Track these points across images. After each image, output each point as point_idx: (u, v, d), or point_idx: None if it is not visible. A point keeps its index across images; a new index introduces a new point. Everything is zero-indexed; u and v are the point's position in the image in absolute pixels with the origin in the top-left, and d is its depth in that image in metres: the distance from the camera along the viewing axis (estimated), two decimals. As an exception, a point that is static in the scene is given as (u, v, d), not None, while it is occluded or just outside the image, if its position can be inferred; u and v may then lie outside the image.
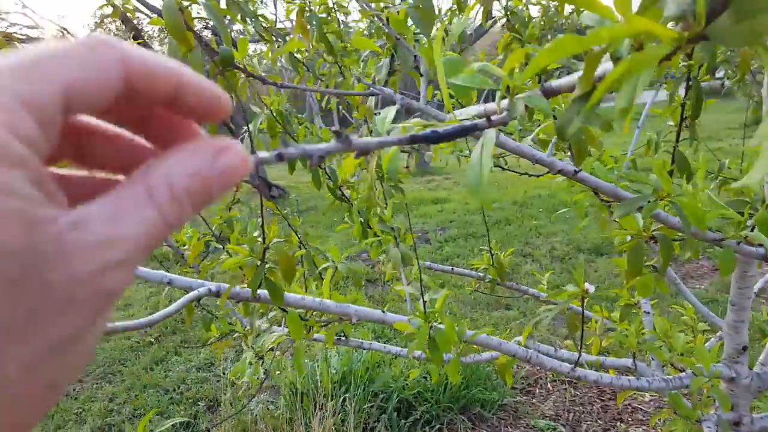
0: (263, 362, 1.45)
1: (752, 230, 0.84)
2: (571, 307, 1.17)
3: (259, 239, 0.88)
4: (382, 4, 0.83)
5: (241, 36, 1.03)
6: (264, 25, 1.73)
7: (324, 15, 1.52)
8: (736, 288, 1.05)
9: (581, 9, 0.34)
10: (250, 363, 1.29)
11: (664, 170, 0.86)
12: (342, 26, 1.57)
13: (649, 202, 0.73)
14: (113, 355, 3.22)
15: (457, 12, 2.04)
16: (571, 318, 1.05)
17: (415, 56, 0.80)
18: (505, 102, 0.46)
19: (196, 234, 1.53)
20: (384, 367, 2.42)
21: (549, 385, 2.52)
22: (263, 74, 0.91)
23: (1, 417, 0.17)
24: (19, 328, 0.16)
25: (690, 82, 1.04)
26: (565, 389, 2.46)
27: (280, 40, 1.78)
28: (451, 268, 1.62)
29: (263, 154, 0.27)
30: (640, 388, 1.01)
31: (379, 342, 1.54)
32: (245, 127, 1.38)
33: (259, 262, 0.87)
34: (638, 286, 1.06)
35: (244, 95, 0.99)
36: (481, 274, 1.57)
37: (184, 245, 1.59)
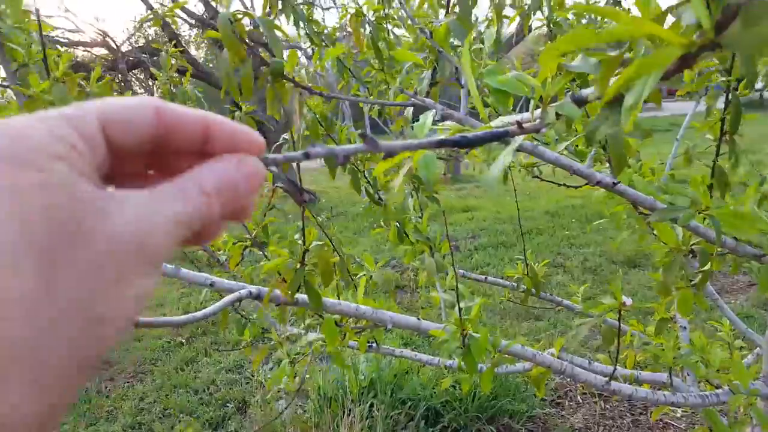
0: (296, 368, 1.48)
1: (795, 246, 0.83)
2: (606, 320, 1.16)
3: (299, 242, 0.91)
4: (426, 19, 0.86)
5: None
6: (315, 29, 1.78)
7: (376, 22, 1.55)
8: (778, 304, 1.03)
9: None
10: (287, 369, 1.32)
11: (702, 184, 0.85)
12: (392, 36, 1.60)
13: (686, 212, 0.73)
14: (145, 355, 3.31)
15: (495, 21, 2.06)
16: (606, 331, 1.05)
17: (456, 68, 0.82)
18: (538, 111, 0.48)
19: (231, 239, 1.57)
20: (412, 374, 2.43)
21: (579, 397, 2.48)
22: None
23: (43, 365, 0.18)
24: (65, 253, 0.19)
25: (729, 97, 1.03)
26: (595, 402, 2.42)
27: (329, 44, 1.83)
28: (484, 277, 1.62)
29: (291, 153, 0.30)
30: (675, 404, 1.00)
31: (407, 349, 1.56)
32: (286, 133, 1.42)
33: (298, 265, 0.90)
34: (678, 301, 1.05)
35: (286, 101, 1.03)
36: (514, 284, 1.57)
37: (219, 250, 1.63)
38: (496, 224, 5.72)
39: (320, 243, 0.90)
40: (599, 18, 1.51)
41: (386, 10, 1.54)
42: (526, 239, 5.17)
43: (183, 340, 3.45)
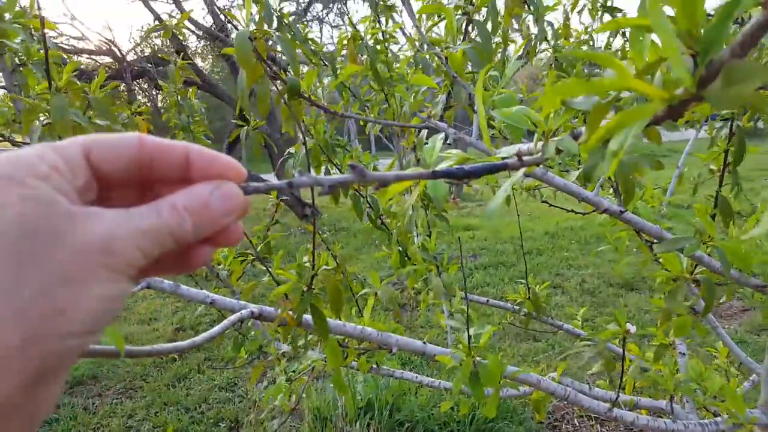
0: (293, 386, 1.47)
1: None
2: (608, 345, 1.17)
3: (307, 264, 0.91)
4: (443, 45, 0.88)
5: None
6: (312, 48, 1.81)
7: (374, 44, 1.58)
8: (780, 334, 1.03)
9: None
10: (284, 387, 1.32)
11: (706, 214, 0.87)
12: (390, 54, 1.63)
13: (692, 243, 0.74)
14: (135, 371, 3.23)
15: (502, 46, 2.09)
16: (607, 357, 1.05)
17: (469, 94, 0.84)
18: (540, 144, 0.49)
19: (232, 253, 1.57)
20: (410, 395, 2.41)
21: (576, 420, 2.46)
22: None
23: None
24: (33, 254, 0.21)
25: (732, 128, 1.05)
26: (592, 425, 2.41)
27: (327, 64, 1.86)
28: (486, 299, 1.63)
29: (274, 182, 0.31)
30: (675, 431, 1.00)
31: (405, 369, 1.55)
32: (289, 151, 1.44)
33: (305, 289, 0.90)
34: (675, 326, 1.06)
35: (302, 117, 1.04)
36: (516, 307, 1.57)
37: (219, 264, 1.63)
38: (497, 244, 5.72)
39: (329, 268, 0.90)
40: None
41: (387, 26, 1.57)
42: (526, 260, 5.17)
43: (176, 356, 3.41)
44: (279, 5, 1.69)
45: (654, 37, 0.34)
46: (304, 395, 2.54)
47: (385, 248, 1.51)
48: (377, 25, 1.61)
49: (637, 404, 1.24)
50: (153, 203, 0.26)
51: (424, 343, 1.00)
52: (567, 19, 1.78)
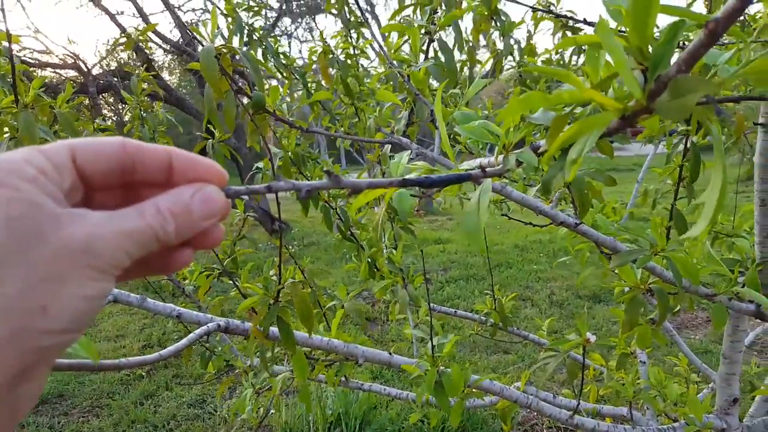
0: (260, 401, 1.45)
1: (743, 287, 0.88)
2: (571, 355, 1.20)
3: (274, 278, 0.92)
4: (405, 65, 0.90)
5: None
6: (284, 62, 1.82)
7: (345, 59, 1.61)
8: (729, 341, 1.08)
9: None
10: (250, 400, 1.30)
11: (660, 226, 0.91)
12: (361, 69, 1.66)
13: (644, 254, 0.77)
14: (102, 388, 3.15)
15: (468, 63, 2.15)
16: (571, 366, 1.08)
17: (431, 110, 0.86)
18: (501, 157, 0.52)
19: (198, 267, 1.55)
20: (381, 409, 2.40)
21: (544, 431, 2.49)
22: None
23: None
24: (17, 253, 0.22)
25: (687, 145, 1.11)
26: (562, 437, 2.44)
27: (298, 77, 1.87)
28: (454, 311, 1.65)
29: (254, 186, 0.32)
30: (636, 438, 1.02)
31: (376, 383, 1.55)
32: (257, 165, 1.44)
33: (272, 302, 0.90)
34: (637, 337, 1.10)
35: (267, 131, 1.04)
36: (483, 318, 1.60)
37: (184, 279, 1.61)
38: (468, 257, 5.78)
39: (296, 281, 0.91)
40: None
41: (358, 41, 1.60)
42: (496, 273, 5.24)
43: (143, 373, 3.31)
44: (250, 19, 1.70)
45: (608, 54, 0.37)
46: (273, 411, 2.50)
47: (354, 260, 1.52)
48: (348, 40, 1.63)
49: (600, 412, 1.27)
50: (136, 205, 0.26)
51: (390, 354, 1.01)
52: (530, 36, 1.84)
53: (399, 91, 0.96)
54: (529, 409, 1.03)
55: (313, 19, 10.01)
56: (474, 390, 1.14)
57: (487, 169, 0.48)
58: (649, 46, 0.34)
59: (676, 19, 0.36)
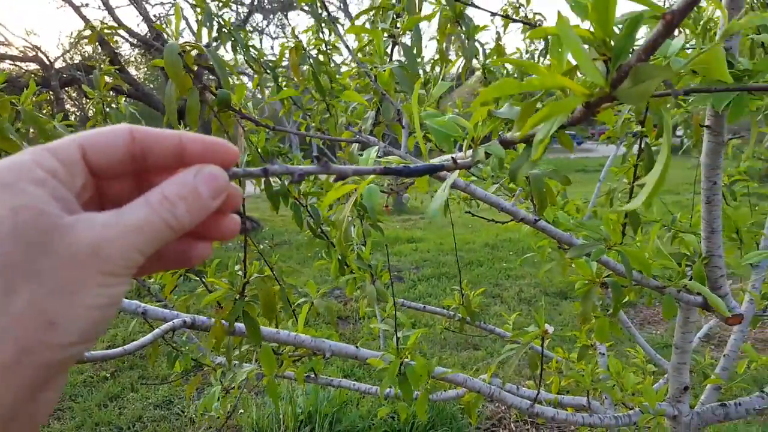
0: (229, 399, 1.45)
1: (691, 280, 0.93)
2: (534, 347, 1.24)
3: (239, 273, 0.92)
4: (370, 65, 0.92)
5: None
6: (254, 55, 1.81)
7: (316, 55, 1.61)
8: (680, 332, 1.13)
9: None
10: (219, 398, 1.30)
11: (615, 222, 0.95)
12: (333, 65, 1.67)
13: (597, 248, 0.81)
14: (64, 390, 3.07)
15: (440, 62, 2.19)
16: (532, 357, 1.11)
17: (398, 110, 0.88)
18: (470, 150, 0.54)
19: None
20: (351, 406, 2.42)
21: (512, 425, 2.55)
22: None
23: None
24: (24, 266, 0.21)
25: (641, 145, 1.16)
26: (528, 429, 2.50)
27: (268, 72, 1.87)
28: (423, 306, 1.67)
29: (251, 169, 0.33)
30: (592, 425, 1.07)
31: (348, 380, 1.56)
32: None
33: (237, 297, 0.91)
34: (596, 329, 1.15)
35: (231, 130, 1.05)
36: (451, 313, 1.63)
37: (150, 278, 1.58)
38: (440, 255, 5.84)
39: (261, 275, 0.91)
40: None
41: (330, 37, 1.61)
42: (467, 270, 5.32)
43: (107, 375, 3.24)
44: (220, 11, 1.69)
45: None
46: (242, 411, 2.49)
47: (325, 257, 1.53)
48: (320, 36, 1.64)
49: (561, 402, 1.32)
50: (142, 197, 0.25)
51: (357, 347, 1.03)
52: (499, 38, 1.89)
53: (365, 91, 0.98)
54: (491, 399, 1.06)
55: (285, 16, 9.94)
56: (441, 382, 1.17)
57: (459, 161, 0.51)
58: (612, 38, 0.37)
59: (637, 11, 0.39)
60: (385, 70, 0.88)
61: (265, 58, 1.88)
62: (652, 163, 1.17)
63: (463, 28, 1.45)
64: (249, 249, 1.18)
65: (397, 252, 6.00)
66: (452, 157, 0.53)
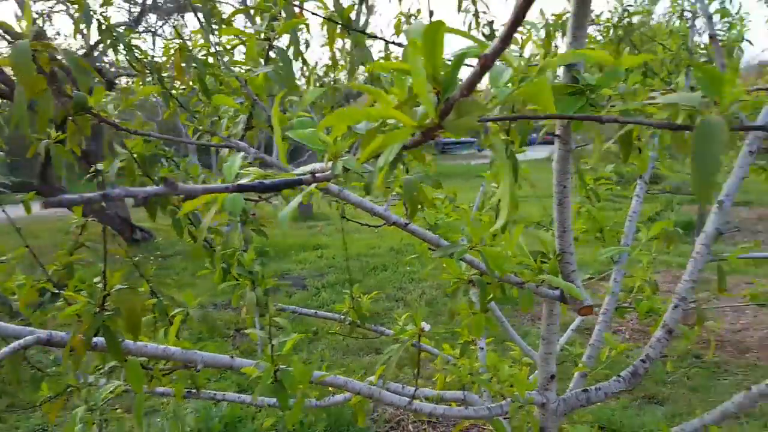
0: (101, 421, 1.34)
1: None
2: (418, 345, 1.28)
3: (99, 285, 0.86)
4: (244, 68, 0.90)
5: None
6: (137, 55, 1.71)
7: (205, 56, 1.55)
8: (546, 324, 1.23)
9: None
10: (82, 420, 1.20)
11: (487, 225, 1.01)
12: (223, 67, 1.61)
13: (460, 248, 0.86)
14: None
15: (333, 68, 2.20)
16: (412, 355, 1.15)
17: (269, 116, 0.88)
18: (330, 163, 0.56)
19: (29, 281, 1.40)
20: (246, 421, 2.34)
21: (410, 426, 2.62)
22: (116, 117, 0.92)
23: None
24: None
25: (507, 153, 1.24)
26: (425, 429, 2.58)
27: (153, 73, 1.77)
28: (314, 312, 1.67)
29: (86, 194, 0.31)
30: (468, 417, 1.13)
31: (245, 395, 1.50)
32: (96, 168, 1.34)
33: (97, 310, 0.85)
34: (473, 325, 1.21)
35: (88, 133, 0.98)
36: (342, 317, 1.64)
37: (13, 294, 1.44)
38: (346, 261, 5.86)
39: (124, 287, 0.86)
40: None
41: (221, 38, 1.56)
42: (372, 275, 5.38)
43: (-31, 405, 2.88)
44: (101, 9, 1.58)
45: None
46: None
47: (208, 266, 1.48)
48: (209, 38, 1.58)
49: (443, 397, 1.38)
50: None
51: (231, 357, 1.00)
52: (387, 47, 1.95)
53: (237, 95, 0.97)
54: (372, 399, 1.08)
55: (182, 17, 9.50)
56: (329, 388, 1.17)
57: (317, 174, 0.52)
58: (441, 73, 0.41)
59: (465, 47, 0.44)
60: (257, 74, 0.88)
61: (148, 59, 1.79)
62: (516, 170, 1.27)
63: (351, 36, 1.48)
64: (126, 263, 1.11)
65: (302, 259, 5.93)
66: (311, 171, 0.54)
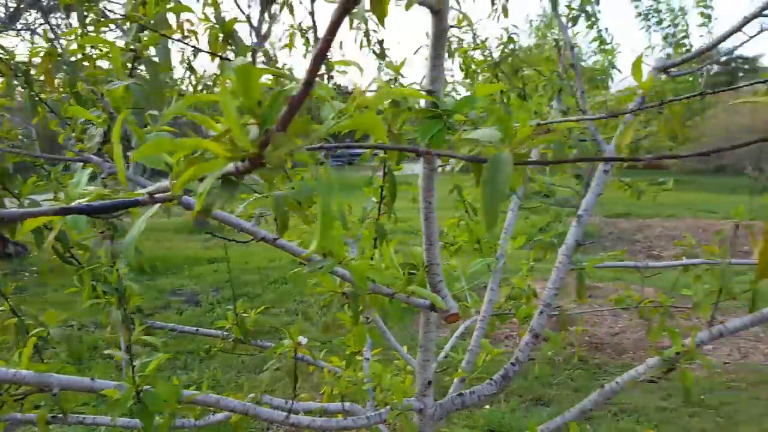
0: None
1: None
2: (298, 358, 1.29)
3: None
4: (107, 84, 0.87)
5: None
6: (2, 56, 1.57)
7: (76, 62, 1.45)
8: (423, 333, 1.30)
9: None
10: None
11: (368, 239, 1.06)
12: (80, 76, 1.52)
13: (329, 263, 0.89)
14: None
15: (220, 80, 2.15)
16: (289, 368, 1.16)
17: (126, 130, 0.85)
18: (172, 183, 0.56)
19: None
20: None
21: (306, 440, 2.60)
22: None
23: None
24: None
25: (386, 172, 1.31)
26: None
27: (19, 74, 1.63)
28: (196, 329, 1.62)
29: None
30: (347, 427, 1.16)
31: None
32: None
33: (-73, 334, 0.77)
34: (355, 336, 1.25)
35: None
36: (225, 333, 1.61)
37: None
38: (243, 275, 5.70)
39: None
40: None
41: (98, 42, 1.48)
42: (272, 288, 5.28)
43: None
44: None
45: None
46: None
47: (77, 283, 1.39)
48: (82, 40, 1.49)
49: (327, 410, 1.40)
50: None
51: (92, 379, 0.95)
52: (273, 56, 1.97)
53: (94, 108, 0.93)
54: (248, 416, 1.08)
55: (68, 15, 8.78)
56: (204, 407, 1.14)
57: (156, 195, 0.52)
58: (258, 107, 0.43)
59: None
60: (117, 87, 0.85)
61: (15, 59, 1.65)
62: (394, 185, 1.33)
63: (234, 48, 1.47)
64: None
65: (196, 274, 5.68)
66: (149, 192, 0.54)
